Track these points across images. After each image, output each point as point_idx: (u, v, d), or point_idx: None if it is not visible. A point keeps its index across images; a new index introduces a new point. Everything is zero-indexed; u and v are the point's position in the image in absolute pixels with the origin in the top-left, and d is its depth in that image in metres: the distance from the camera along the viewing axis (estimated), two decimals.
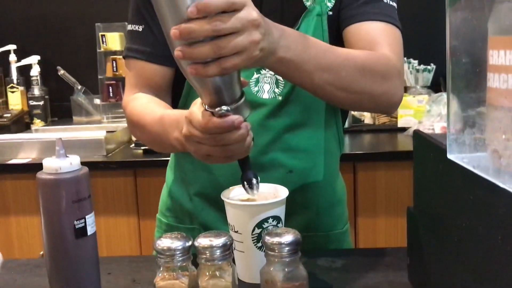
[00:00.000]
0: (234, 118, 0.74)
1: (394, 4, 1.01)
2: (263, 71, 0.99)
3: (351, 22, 0.99)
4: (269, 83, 1.00)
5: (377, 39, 0.96)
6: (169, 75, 1.04)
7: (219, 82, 0.71)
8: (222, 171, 1.02)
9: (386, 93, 0.94)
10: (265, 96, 1.00)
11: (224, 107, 0.73)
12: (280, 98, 1.00)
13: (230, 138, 0.75)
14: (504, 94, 0.48)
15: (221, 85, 0.72)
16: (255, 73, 0.99)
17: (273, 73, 0.98)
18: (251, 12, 0.68)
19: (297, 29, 0.98)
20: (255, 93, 1.00)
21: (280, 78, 0.99)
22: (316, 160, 1.06)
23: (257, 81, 1.00)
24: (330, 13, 1.00)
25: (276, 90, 1.00)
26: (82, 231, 0.77)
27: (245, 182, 0.84)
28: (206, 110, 0.75)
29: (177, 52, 0.67)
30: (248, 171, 0.83)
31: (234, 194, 0.87)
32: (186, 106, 1.03)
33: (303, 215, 1.06)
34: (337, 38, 1.01)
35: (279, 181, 0.97)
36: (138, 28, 1.04)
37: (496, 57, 0.49)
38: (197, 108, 0.77)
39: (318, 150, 1.06)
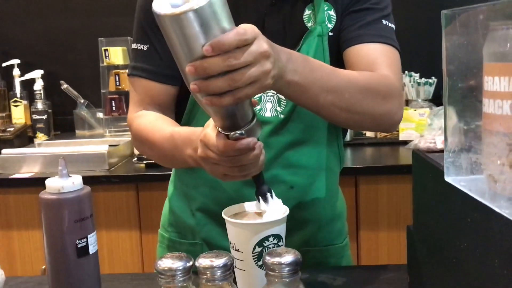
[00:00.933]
0: (249, 140, 0.76)
1: (393, 26, 1.03)
2: (257, 106, 1.01)
3: (351, 44, 1.01)
4: (271, 101, 1.01)
5: (377, 60, 0.98)
6: (173, 93, 1.06)
7: (232, 109, 0.74)
8: (224, 186, 1.03)
9: (387, 113, 0.97)
10: (268, 114, 1.01)
11: (239, 131, 0.75)
12: (282, 116, 1.02)
13: (245, 159, 0.78)
14: (499, 120, 0.48)
15: (234, 111, 0.74)
16: None
17: (275, 92, 1.00)
18: (262, 45, 0.71)
19: (299, 50, 0.99)
20: (258, 112, 1.01)
21: (282, 97, 1.00)
22: (317, 176, 1.07)
23: (260, 99, 1.01)
24: (331, 33, 1.02)
25: (278, 108, 1.02)
26: (84, 250, 0.78)
27: (260, 197, 0.86)
28: (221, 132, 0.77)
29: (193, 86, 0.70)
30: (262, 186, 0.87)
31: (235, 211, 0.87)
32: (189, 122, 1.05)
33: (303, 230, 1.07)
34: (337, 58, 1.02)
35: (280, 197, 0.98)
36: (143, 47, 1.05)
37: (491, 83, 0.49)
38: (211, 130, 0.79)
39: (319, 167, 1.07)
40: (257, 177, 0.86)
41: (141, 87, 1.06)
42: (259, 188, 0.87)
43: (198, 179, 1.07)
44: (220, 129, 0.77)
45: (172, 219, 1.15)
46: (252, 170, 0.82)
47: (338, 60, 1.02)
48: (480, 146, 0.53)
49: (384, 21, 1.01)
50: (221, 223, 1.00)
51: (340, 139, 1.11)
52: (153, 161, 2.03)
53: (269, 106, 1.02)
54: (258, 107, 1.01)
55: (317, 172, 1.07)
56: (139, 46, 1.06)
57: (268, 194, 0.87)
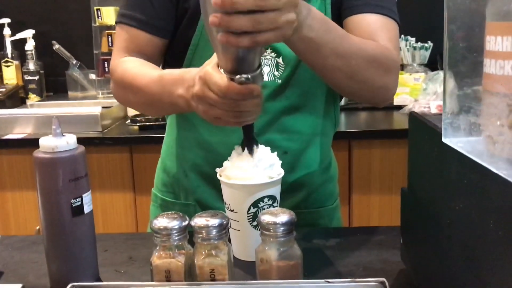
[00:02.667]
0: (254, 87, 0.75)
1: None
2: (264, 53, 0.99)
3: (353, 13, 0.99)
4: (269, 65, 1.00)
5: (378, 32, 0.97)
6: (161, 46, 1.03)
7: (245, 53, 0.71)
8: (219, 149, 1.03)
9: (385, 86, 0.97)
10: (265, 78, 0.99)
11: (245, 75, 0.73)
12: (279, 81, 1.01)
13: (245, 105, 0.77)
14: (500, 81, 0.48)
15: (246, 54, 0.72)
16: None
17: (274, 55, 0.99)
18: None
19: None
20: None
21: (280, 61, 0.99)
22: (311, 142, 1.07)
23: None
24: None
25: (276, 73, 1.00)
26: (79, 210, 0.78)
27: (246, 148, 0.86)
28: (225, 74, 0.75)
29: (213, 18, 0.66)
30: (250, 138, 0.86)
31: (230, 172, 0.87)
32: None
33: (295, 194, 1.08)
34: (339, 23, 1.00)
35: None
36: None
37: (493, 43, 0.49)
38: (212, 69, 0.76)
39: (314, 133, 1.06)
40: (248, 127, 0.85)
41: (129, 36, 1.02)
42: (245, 138, 0.86)
43: (191, 140, 1.07)
44: (224, 70, 0.75)
45: (166, 179, 1.14)
46: (247, 118, 0.80)
47: (340, 26, 1.00)
48: (480, 107, 0.53)
49: None
50: (215, 185, 1.01)
51: (337, 105, 1.11)
52: (147, 123, 2.04)
53: (266, 70, 1.00)
54: None
55: (311, 138, 1.06)
56: None
57: (255, 147, 0.86)
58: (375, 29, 0.97)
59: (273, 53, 0.99)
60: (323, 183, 1.12)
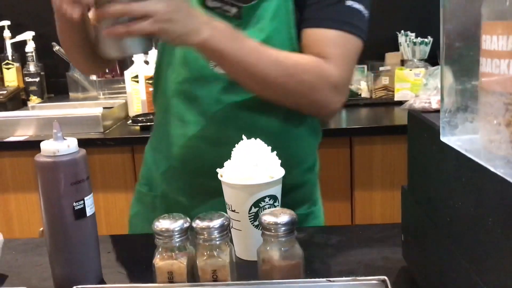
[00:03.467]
0: None
1: (359, 7, 0.99)
2: None
3: (307, 25, 0.99)
4: None
5: (326, 49, 0.97)
6: None
7: None
8: (180, 142, 1.06)
9: (314, 104, 0.99)
10: (221, 71, 0.99)
11: None
12: None
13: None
14: (497, 80, 0.48)
15: None
16: None
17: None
18: None
19: (255, 5, 0.99)
20: (212, 67, 1.00)
21: None
22: (276, 141, 1.02)
23: None
24: None
25: None
26: (81, 213, 0.78)
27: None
28: None
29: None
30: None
31: (231, 172, 0.87)
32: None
33: None
34: (298, 24, 1.01)
35: None
36: None
37: (489, 42, 0.49)
38: None
39: (280, 132, 1.05)
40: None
41: None
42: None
43: (164, 137, 1.10)
44: None
45: (143, 170, 1.19)
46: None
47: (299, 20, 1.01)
48: (477, 105, 0.53)
49: (348, 3, 0.98)
50: (183, 180, 1.06)
51: None
52: (148, 123, 2.04)
53: None
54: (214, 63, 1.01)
55: (276, 137, 1.03)
56: None
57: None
58: (326, 45, 0.98)
59: None
60: (291, 188, 1.04)
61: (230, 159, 0.89)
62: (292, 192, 1.05)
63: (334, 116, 1.04)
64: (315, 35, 0.99)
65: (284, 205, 1.01)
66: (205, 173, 0.98)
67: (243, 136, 0.89)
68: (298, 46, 1.00)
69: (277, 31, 0.99)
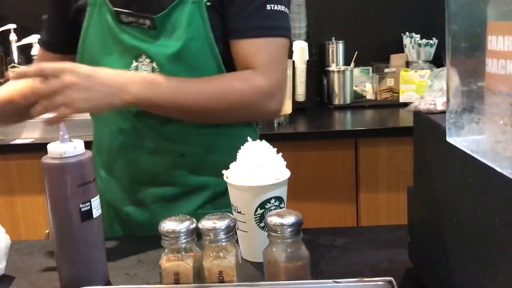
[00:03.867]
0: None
1: (280, 8, 1.02)
2: (140, 59, 1.03)
3: (230, 37, 1.03)
4: (146, 71, 1.03)
5: (252, 61, 1.01)
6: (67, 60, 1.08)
7: None
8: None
9: (251, 116, 1.08)
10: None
11: None
12: None
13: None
14: (502, 80, 0.48)
15: None
16: (134, 61, 1.04)
17: (148, 60, 1.03)
18: (65, 78, 0.88)
19: (166, 15, 1.01)
20: None
21: (155, 66, 1.02)
22: (213, 142, 1.08)
23: (136, 69, 1.03)
24: (208, 3, 1.01)
25: None
26: (87, 214, 0.79)
27: None
28: None
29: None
30: None
31: (237, 174, 0.88)
32: None
33: (199, 195, 1.09)
34: (220, 28, 1.02)
35: (173, 165, 1.05)
36: (46, 16, 1.17)
37: (494, 42, 0.49)
38: None
39: (215, 135, 1.07)
40: None
41: (40, 55, 1.20)
42: None
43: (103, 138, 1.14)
44: None
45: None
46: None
47: (222, 30, 1.03)
48: (483, 106, 0.53)
49: (269, 6, 1.00)
50: (124, 187, 1.09)
51: None
52: None
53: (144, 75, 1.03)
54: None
55: (212, 138, 1.07)
56: (44, 16, 1.19)
57: None
58: (252, 55, 1.01)
59: (148, 59, 1.03)
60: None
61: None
62: None
63: (277, 117, 1.08)
64: (240, 47, 1.02)
65: (228, 203, 0.98)
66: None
67: (248, 138, 0.89)
68: (219, 50, 1.02)
69: (193, 38, 1.00)
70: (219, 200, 1.10)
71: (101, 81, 0.92)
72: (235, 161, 0.88)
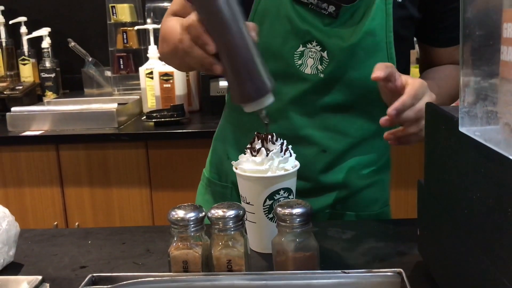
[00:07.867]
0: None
1: None
2: (309, 45, 0.98)
3: (441, 45, 1.08)
4: (313, 58, 0.98)
5: (453, 60, 1.09)
6: None
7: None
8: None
9: None
10: (308, 71, 0.99)
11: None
12: (322, 75, 0.99)
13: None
14: None
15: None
16: (301, 45, 0.98)
17: (319, 48, 0.97)
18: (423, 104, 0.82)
19: (356, 5, 0.96)
20: (298, 67, 0.99)
21: (325, 55, 0.97)
22: (358, 145, 1.04)
23: (302, 54, 0.98)
24: (400, 0, 0.97)
25: (319, 66, 0.98)
26: None
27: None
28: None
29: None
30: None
31: (246, 165, 0.87)
32: None
33: (329, 194, 1.06)
34: (402, 25, 0.99)
35: (310, 158, 1.01)
36: None
37: (510, 30, 0.48)
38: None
39: (363, 137, 1.04)
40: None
41: (180, 1, 1.09)
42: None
43: (237, 128, 1.09)
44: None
45: (213, 159, 1.17)
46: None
47: (403, 27, 0.99)
48: (497, 95, 0.52)
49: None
50: None
51: None
52: (162, 119, 2.05)
53: (310, 63, 0.98)
54: (300, 62, 0.99)
55: (359, 141, 1.04)
56: None
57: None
58: (456, 59, 1.08)
59: (318, 46, 0.98)
60: (366, 187, 1.08)
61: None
62: (364, 191, 1.07)
63: None
64: (444, 50, 1.08)
65: (356, 204, 1.05)
66: None
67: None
68: (395, 52, 0.98)
69: (373, 34, 0.96)
70: (348, 202, 1.07)
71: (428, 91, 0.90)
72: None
